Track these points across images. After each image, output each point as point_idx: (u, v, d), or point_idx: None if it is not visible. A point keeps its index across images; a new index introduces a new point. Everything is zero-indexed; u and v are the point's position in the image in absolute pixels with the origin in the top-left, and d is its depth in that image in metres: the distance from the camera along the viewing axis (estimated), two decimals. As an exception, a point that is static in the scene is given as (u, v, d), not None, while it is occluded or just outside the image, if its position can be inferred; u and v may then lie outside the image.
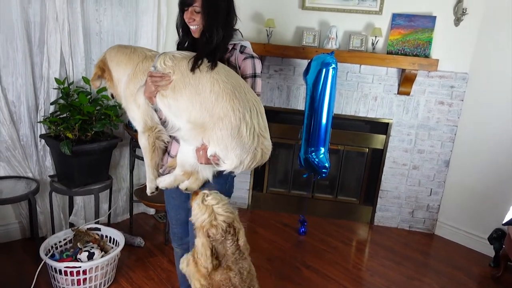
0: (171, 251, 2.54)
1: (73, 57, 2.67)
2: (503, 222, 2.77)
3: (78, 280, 2.18)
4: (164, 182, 1.64)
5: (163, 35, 3.10)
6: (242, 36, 1.68)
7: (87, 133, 2.53)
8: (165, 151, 1.72)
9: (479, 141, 3.19)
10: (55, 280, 2.22)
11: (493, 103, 3.09)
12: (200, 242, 1.41)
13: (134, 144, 2.86)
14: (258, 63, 1.60)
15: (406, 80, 3.20)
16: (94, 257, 2.26)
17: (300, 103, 3.43)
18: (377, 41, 3.19)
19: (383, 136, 3.43)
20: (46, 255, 2.22)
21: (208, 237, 1.40)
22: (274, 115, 3.49)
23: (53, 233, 2.64)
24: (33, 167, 2.66)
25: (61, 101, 2.57)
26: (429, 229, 3.53)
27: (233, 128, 1.38)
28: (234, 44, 1.61)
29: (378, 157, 3.49)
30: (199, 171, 1.54)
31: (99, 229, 2.54)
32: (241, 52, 1.60)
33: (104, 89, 2.59)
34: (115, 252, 2.31)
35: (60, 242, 2.42)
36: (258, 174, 3.65)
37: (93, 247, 2.33)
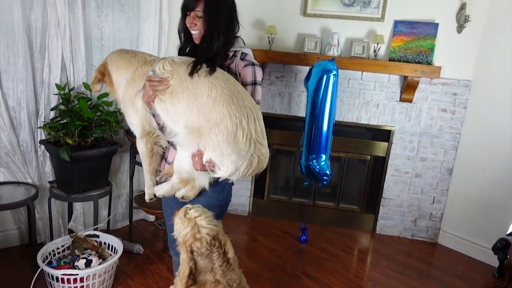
0: (170, 259, 2.51)
1: (74, 63, 2.67)
2: (508, 232, 2.73)
3: (75, 288, 2.16)
4: (161, 190, 1.63)
5: (164, 41, 3.11)
6: (244, 43, 1.67)
7: (87, 139, 2.52)
8: (163, 157, 1.70)
9: (483, 149, 3.16)
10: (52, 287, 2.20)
11: (497, 111, 3.06)
12: (181, 259, 1.37)
13: (134, 151, 2.85)
14: (258, 71, 1.58)
15: (408, 87, 3.18)
16: (92, 264, 2.23)
17: (301, 109, 3.42)
18: (379, 48, 3.18)
19: (385, 144, 3.41)
20: (44, 261, 2.21)
21: (192, 253, 1.36)
22: (275, 122, 3.47)
23: (52, 239, 2.62)
24: (32, 173, 2.65)
25: (62, 106, 2.56)
26: (432, 238, 3.48)
27: (229, 133, 1.36)
28: (235, 51, 1.60)
29: (380, 164, 3.46)
30: (195, 178, 1.51)
31: (97, 236, 2.51)
32: (242, 59, 1.58)
33: (105, 95, 2.61)
34: (113, 259, 2.28)
35: (58, 248, 2.40)
36: (259, 181, 3.62)
37: (91, 254, 2.30)
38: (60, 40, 2.56)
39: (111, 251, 2.49)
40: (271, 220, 3.63)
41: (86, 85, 2.67)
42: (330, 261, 3.01)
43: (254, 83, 1.58)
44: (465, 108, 3.22)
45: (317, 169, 2.94)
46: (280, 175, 3.74)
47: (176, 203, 1.69)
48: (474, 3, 3.03)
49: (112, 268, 2.34)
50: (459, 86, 3.20)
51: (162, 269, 2.67)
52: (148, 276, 2.58)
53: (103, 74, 1.70)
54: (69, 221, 2.84)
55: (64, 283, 2.13)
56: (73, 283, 2.14)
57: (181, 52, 1.67)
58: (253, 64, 1.58)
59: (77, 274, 2.13)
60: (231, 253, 1.41)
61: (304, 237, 3.25)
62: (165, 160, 1.69)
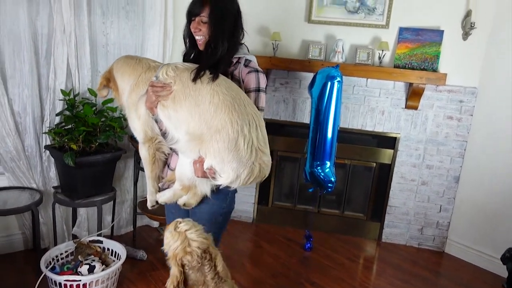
0: (173, 265, 2.49)
1: (79, 69, 2.69)
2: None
3: (78, 294, 2.15)
4: (164, 197, 1.62)
5: (169, 48, 3.12)
6: (248, 50, 1.66)
7: (91, 145, 2.52)
8: (166, 163, 1.70)
9: (490, 157, 3.12)
10: (54, 293, 2.20)
11: (504, 118, 3.02)
12: (171, 272, 1.37)
13: (138, 156, 2.83)
14: (262, 78, 1.58)
15: (413, 94, 3.16)
16: (95, 270, 2.22)
17: (306, 116, 3.41)
18: (384, 55, 3.17)
19: (391, 151, 3.38)
20: (47, 267, 2.20)
21: (183, 266, 1.35)
22: (279, 128, 3.46)
23: (56, 244, 2.62)
24: (37, 178, 2.66)
25: (67, 112, 2.58)
26: (439, 247, 3.43)
27: (230, 141, 1.35)
28: (239, 58, 1.60)
29: (385, 172, 3.43)
30: (196, 185, 1.51)
31: (101, 242, 2.51)
32: (246, 65, 1.58)
33: (110, 100, 2.62)
34: (116, 266, 2.28)
35: (61, 254, 2.40)
36: (264, 187, 3.60)
37: (94, 260, 2.30)
38: (66, 46, 2.58)
39: (115, 257, 2.48)
40: (275, 227, 3.61)
41: (91, 91, 2.68)
42: (335, 269, 2.97)
43: (258, 90, 1.57)
44: (472, 115, 3.19)
45: (321, 176, 2.92)
46: (285, 182, 3.72)
47: (178, 210, 1.69)
48: (479, 10, 3.02)
49: (115, 275, 2.33)
50: (465, 93, 3.17)
51: (166, 276, 2.61)
52: (152, 282, 2.56)
53: (109, 80, 1.72)
54: (73, 226, 2.84)
55: (66, 289, 2.12)
56: (76, 289, 2.13)
57: (186, 58, 1.68)
58: (256, 71, 1.57)
59: (80, 280, 2.12)
60: (220, 266, 1.40)
61: (308, 244, 3.22)
62: (168, 166, 1.69)
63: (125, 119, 1.78)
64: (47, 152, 2.64)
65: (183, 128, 1.42)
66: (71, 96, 2.60)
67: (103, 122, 2.60)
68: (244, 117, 1.38)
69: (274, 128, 3.42)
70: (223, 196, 1.63)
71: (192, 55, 1.67)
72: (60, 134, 2.47)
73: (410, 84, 3.15)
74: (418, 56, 3.13)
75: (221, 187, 1.45)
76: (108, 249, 2.51)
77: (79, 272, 2.22)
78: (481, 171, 3.17)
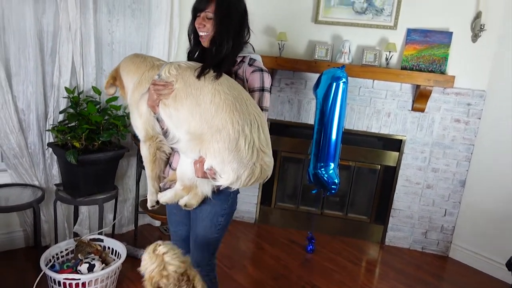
0: (173, 265, 2.48)
1: (84, 67, 2.68)
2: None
3: (77, 292, 2.15)
4: (165, 197, 1.61)
5: (174, 47, 3.11)
6: (254, 50, 1.64)
7: (94, 143, 2.52)
8: (167, 163, 1.69)
9: (497, 161, 3.06)
10: (54, 291, 2.19)
11: (512, 122, 2.97)
12: None
13: (141, 155, 2.84)
14: (267, 77, 1.55)
15: (420, 97, 3.11)
16: (95, 269, 2.22)
17: (311, 117, 3.37)
18: (391, 56, 3.13)
19: (396, 153, 3.34)
20: (47, 265, 2.20)
21: None
22: (284, 129, 3.43)
23: (57, 242, 2.62)
24: (39, 175, 2.66)
25: (70, 110, 2.57)
26: (443, 252, 3.39)
27: (230, 141, 1.33)
28: (243, 57, 1.57)
29: (390, 174, 3.39)
30: (197, 185, 1.49)
31: (101, 240, 2.51)
32: (250, 64, 1.55)
33: (114, 99, 2.61)
34: (115, 264, 2.27)
35: (62, 252, 2.40)
36: (266, 188, 3.58)
37: (94, 259, 2.29)
38: (71, 44, 2.57)
39: (115, 256, 2.47)
40: (277, 228, 3.58)
41: (95, 89, 2.68)
42: (337, 272, 2.94)
43: (262, 90, 1.54)
44: (479, 118, 3.14)
45: (325, 178, 2.89)
46: (288, 183, 3.70)
47: (180, 210, 1.67)
48: (489, 12, 2.97)
49: (115, 274, 2.32)
50: (473, 96, 3.12)
51: (166, 276, 2.63)
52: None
53: (115, 78, 1.72)
54: (74, 224, 2.84)
55: (66, 287, 2.11)
56: (75, 288, 2.13)
57: (190, 55, 1.66)
58: (261, 70, 1.55)
59: (79, 279, 2.11)
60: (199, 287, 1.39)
61: (311, 246, 3.20)
62: (170, 166, 1.68)
63: (129, 118, 1.78)
64: (50, 149, 2.64)
65: (183, 127, 1.40)
66: (75, 94, 2.59)
67: (107, 120, 2.59)
68: (246, 117, 1.36)
69: (278, 128, 3.39)
70: (225, 197, 1.62)
71: (197, 53, 1.65)
72: (63, 131, 2.47)
73: (417, 86, 3.11)
74: (426, 58, 3.08)
75: (222, 188, 1.43)
76: (109, 248, 2.50)
77: (79, 270, 2.21)
78: (488, 175, 3.12)
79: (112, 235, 2.94)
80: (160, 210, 2.33)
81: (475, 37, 3.03)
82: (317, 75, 2.97)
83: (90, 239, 2.46)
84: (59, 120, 2.62)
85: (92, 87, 2.71)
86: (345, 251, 3.29)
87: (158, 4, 2.95)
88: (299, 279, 2.79)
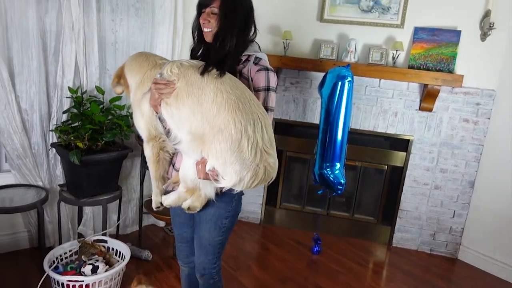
0: (178, 266, 2.45)
1: (87, 66, 2.66)
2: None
3: (81, 294, 2.12)
4: (168, 200, 1.58)
5: (178, 46, 3.08)
6: (259, 48, 1.61)
7: (98, 143, 2.49)
8: (171, 163, 1.66)
9: (507, 162, 3.00)
10: (57, 293, 2.17)
11: (523, 122, 2.91)
12: None
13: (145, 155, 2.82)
14: (272, 76, 1.52)
15: (428, 96, 3.06)
16: (98, 270, 2.20)
17: (316, 116, 3.33)
18: (398, 55, 3.08)
19: (403, 153, 3.29)
20: (50, 266, 2.18)
21: None
22: (289, 129, 3.39)
23: (61, 243, 2.60)
24: (43, 176, 2.64)
25: (74, 110, 2.55)
26: (452, 254, 3.33)
27: (233, 141, 1.29)
28: (249, 56, 1.54)
29: (397, 175, 3.34)
30: (200, 187, 1.46)
31: (105, 241, 2.48)
32: (255, 63, 1.52)
33: (117, 98, 2.59)
34: (119, 266, 2.24)
35: (65, 253, 2.38)
36: (272, 188, 3.54)
37: (97, 260, 2.27)
38: (74, 44, 2.55)
39: (119, 257, 2.45)
40: (283, 229, 3.55)
41: (98, 89, 2.66)
42: (343, 273, 2.90)
43: (268, 89, 1.51)
44: (489, 118, 3.08)
45: (331, 178, 2.85)
46: (294, 183, 3.66)
47: (183, 212, 1.64)
48: (499, 10, 2.91)
49: (118, 275, 2.29)
50: (483, 95, 3.06)
51: (170, 277, 2.61)
52: (156, 284, 2.52)
53: (120, 77, 1.71)
54: (78, 225, 2.83)
55: (69, 289, 2.09)
56: (79, 290, 2.10)
57: (193, 53, 1.63)
58: (267, 69, 1.51)
59: (83, 281, 2.09)
60: None
61: (317, 247, 3.16)
62: (173, 166, 1.65)
63: (132, 117, 1.76)
64: (54, 150, 2.62)
65: (185, 127, 1.37)
66: (79, 94, 2.57)
67: (110, 120, 2.57)
68: (249, 117, 1.32)
69: (283, 128, 3.36)
70: (229, 199, 1.58)
71: (200, 50, 1.62)
72: (66, 131, 2.45)
73: (425, 86, 3.06)
74: (433, 57, 3.03)
75: (224, 190, 1.39)
76: (113, 249, 2.48)
77: (83, 272, 2.19)
78: (498, 176, 3.06)
79: (116, 236, 2.93)
80: (164, 210, 2.30)
81: (484, 35, 2.97)
82: (323, 74, 2.93)
83: (94, 240, 2.44)
84: (62, 120, 2.60)
85: (96, 86, 2.68)
86: (351, 252, 3.24)
87: (162, 3, 2.92)
88: (305, 280, 2.75)
